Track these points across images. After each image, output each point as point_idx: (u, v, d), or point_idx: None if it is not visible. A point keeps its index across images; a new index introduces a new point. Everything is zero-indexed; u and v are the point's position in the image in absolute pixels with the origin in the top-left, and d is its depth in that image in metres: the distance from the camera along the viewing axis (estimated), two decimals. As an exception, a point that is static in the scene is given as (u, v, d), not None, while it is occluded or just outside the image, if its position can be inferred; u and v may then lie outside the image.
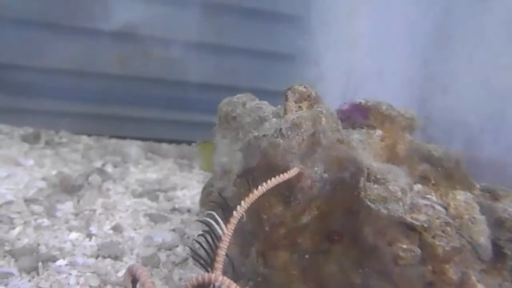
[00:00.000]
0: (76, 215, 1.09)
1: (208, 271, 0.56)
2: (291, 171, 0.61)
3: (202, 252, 0.64)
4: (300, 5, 2.05)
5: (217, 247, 0.56)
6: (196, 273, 0.87)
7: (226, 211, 0.63)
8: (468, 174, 0.70)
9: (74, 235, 0.99)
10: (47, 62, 1.82)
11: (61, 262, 0.87)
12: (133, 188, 1.36)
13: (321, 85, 1.99)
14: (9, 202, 1.07)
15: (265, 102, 0.86)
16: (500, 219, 0.65)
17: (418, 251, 0.58)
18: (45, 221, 1.02)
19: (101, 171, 1.40)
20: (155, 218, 1.15)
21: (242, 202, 0.58)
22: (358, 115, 0.72)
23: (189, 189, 1.43)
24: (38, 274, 0.82)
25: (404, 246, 0.57)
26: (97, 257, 0.92)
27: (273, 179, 0.59)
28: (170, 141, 2.01)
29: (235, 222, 0.57)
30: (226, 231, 0.56)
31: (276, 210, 0.62)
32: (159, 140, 1.96)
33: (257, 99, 0.88)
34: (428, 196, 0.60)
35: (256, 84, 2.04)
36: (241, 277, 0.77)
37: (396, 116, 0.71)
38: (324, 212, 0.61)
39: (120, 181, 1.42)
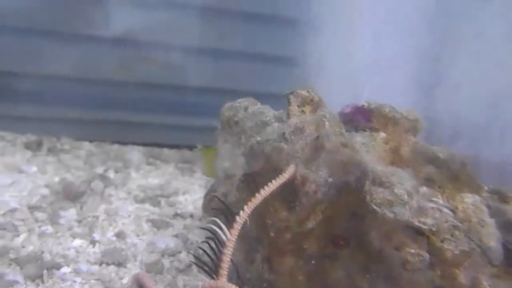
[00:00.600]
0: (79, 222, 1.10)
1: (213, 278, 0.56)
2: (288, 169, 0.61)
3: (205, 258, 0.64)
4: (300, 8, 2.06)
5: (221, 253, 0.56)
6: (200, 280, 0.88)
7: (229, 216, 0.63)
8: (475, 176, 0.69)
9: (77, 242, 0.99)
10: (47, 69, 1.83)
11: (65, 269, 0.87)
12: (135, 194, 1.36)
13: (322, 87, 2.00)
14: (13, 210, 1.08)
15: (267, 107, 0.87)
16: (510, 221, 0.64)
17: (427, 255, 0.58)
18: (49, 228, 1.02)
19: (103, 177, 1.41)
20: (157, 224, 1.15)
21: (245, 207, 0.59)
22: (360, 118, 0.72)
23: (191, 194, 1.43)
24: (43, 282, 0.82)
25: (412, 251, 0.57)
26: (100, 264, 0.92)
27: (273, 181, 0.59)
28: (171, 146, 2.01)
29: (239, 228, 0.57)
30: (229, 237, 0.56)
31: (281, 215, 0.62)
32: (160, 145, 1.96)
33: (259, 104, 0.88)
34: (435, 199, 0.60)
35: (257, 88, 2.05)
36: (246, 283, 0.77)
37: (399, 119, 0.72)
38: (329, 217, 0.61)
39: (122, 186, 1.42)
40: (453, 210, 0.60)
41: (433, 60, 1.12)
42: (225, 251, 0.55)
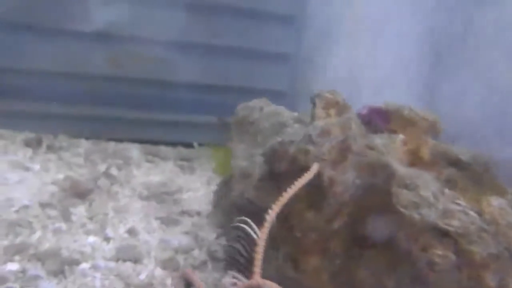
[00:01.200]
0: (90, 219, 1.11)
1: (246, 276, 0.58)
2: (312, 168, 0.64)
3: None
4: (294, 4, 2.10)
5: (253, 251, 0.58)
6: (214, 276, 0.91)
7: (256, 215, 0.66)
8: (497, 178, 0.71)
9: (92, 238, 1.01)
10: (40, 65, 1.82)
11: (84, 265, 0.89)
12: (139, 191, 1.38)
13: (317, 84, 2.05)
14: (26, 207, 1.09)
15: (282, 107, 0.91)
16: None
17: (453, 257, 0.59)
18: (63, 225, 1.04)
19: (108, 175, 1.42)
20: (166, 221, 1.17)
21: (273, 206, 0.61)
22: (378, 120, 0.75)
23: (194, 192, 1.46)
24: (65, 277, 0.84)
25: (439, 252, 0.58)
26: (117, 260, 0.94)
27: (298, 180, 0.62)
28: (166, 143, 2.02)
29: (269, 226, 0.59)
30: (260, 235, 0.59)
31: (307, 215, 0.65)
32: (155, 142, 1.97)
33: (273, 104, 0.92)
34: (458, 201, 0.62)
35: (251, 84, 2.09)
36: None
37: (418, 120, 0.74)
38: (355, 217, 0.64)
39: (126, 184, 1.43)
40: (479, 213, 0.62)
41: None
42: (257, 249, 0.58)
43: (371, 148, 0.65)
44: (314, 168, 0.63)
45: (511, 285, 0.60)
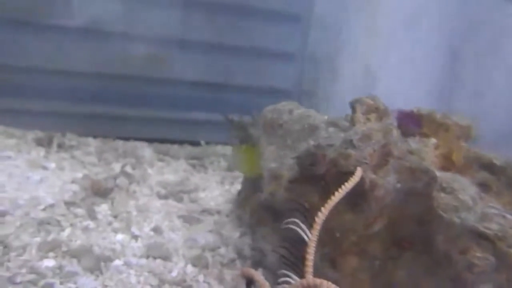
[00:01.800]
0: (115, 217, 1.13)
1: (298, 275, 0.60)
2: (357, 173, 0.67)
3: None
4: (300, 3, 2.13)
5: (304, 252, 0.60)
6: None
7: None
8: None
9: (120, 236, 1.03)
10: (46, 63, 1.82)
11: (117, 262, 0.91)
12: (157, 190, 1.40)
13: (323, 84, 2.08)
14: (52, 205, 1.10)
15: (312, 110, 0.93)
16: None
17: (493, 259, 0.62)
18: (90, 223, 1.06)
19: (126, 174, 1.44)
20: (188, 220, 1.20)
21: (322, 208, 0.64)
22: (410, 124, 0.78)
23: (210, 190, 1.48)
24: (101, 273, 0.86)
25: (478, 254, 0.61)
26: (147, 257, 0.96)
27: (346, 184, 0.65)
28: (173, 141, 2.04)
29: (318, 228, 0.62)
30: (311, 236, 0.61)
31: (346, 217, 0.68)
32: (162, 141, 1.99)
33: (303, 107, 0.95)
34: (494, 205, 0.66)
35: (257, 83, 2.12)
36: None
37: (451, 125, 0.78)
38: (395, 221, 0.67)
39: (142, 183, 1.45)
40: None
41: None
42: (309, 250, 0.60)
43: (412, 152, 0.68)
44: (359, 172, 0.65)
45: None
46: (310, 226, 0.62)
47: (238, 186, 1.42)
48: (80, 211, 1.11)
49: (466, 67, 1.11)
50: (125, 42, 1.92)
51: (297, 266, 0.61)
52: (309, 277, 0.58)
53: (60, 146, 1.73)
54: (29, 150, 1.57)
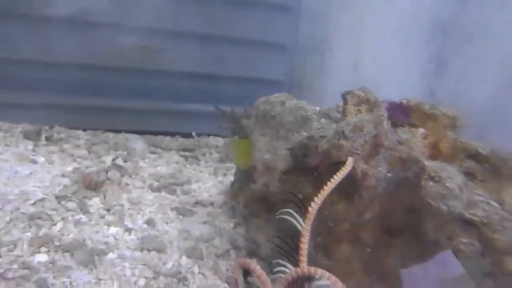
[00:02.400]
0: (107, 210, 1.13)
1: (292, 264, 0.61)
2: (348, 162, 0.68)
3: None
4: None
5: (298, 241, 0.61)
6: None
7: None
8: None
9: (113, 229, 1.03)
10: (34, 55, 1.79)
11: (111, 255, 0.91)
12: (149, 183, 1.40)
13: (314, 74, 2.09)
14: (42, 200, 1.09)
15: (304, 101, 0.94)
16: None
17: (478, 244, 0.65)
18: (82, 217, 1.05)
19: (117, 167, 1.43)
20: (181, 212, 1.20)
21: (315, 198, 0.65)
22: (399, 114, 0.79)
23: (203, 182, 1.48)
24: (95, 267, 0.86)
25: (465, 240, 0.64)
26: (141, 250, 0.96)
27: (338, 173, 0.66)
28: (164, 133, 2.03)
29: (312, 218, 0.63)
30: (304, 226, 0.62)
31: (339, 206, 0.69)
32: (153, 133, 1.98)
33: (296, 99, 0.95)
34: (479, 192, 0.68)
35: (249, 74, 2.12)
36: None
37: (439, 115, 0.79)
38: (386, 209, 0.68)
39: (135, 175, 1.44)
40: (500, 203, 0.68)
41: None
42: (303, 239, 0.61)
43: (401, 143, 0.69)
44: (350, 162, 0.66)
45: None
46: (304, 216, 0.63)
47: (231, 178, 1.42)
48: (71, 205, 1.10)
49: (453, 56, 1.12)
50: (116, 33, 1.89)
51: (292, 255, 0.61)
52: (304, 266, 0.59)
53: (49, 139, 1.71)
54: (17, 144, 1.55)
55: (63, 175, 1.30)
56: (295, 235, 0.62)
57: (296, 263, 0.60)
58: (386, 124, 0.69)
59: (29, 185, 1.17)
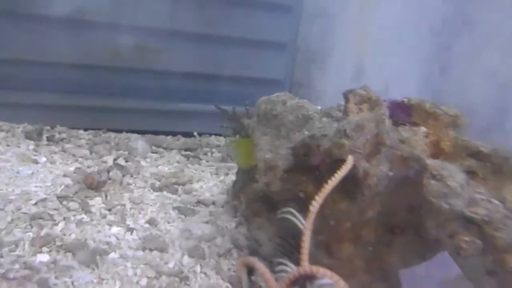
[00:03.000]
0: (109, 210, 1.13)
1: (294, 263, 0.61)
2: (348, 160, 0.68)
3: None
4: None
5: (300, 240, 0.61)
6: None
7: (302, 204, 0.68)
8: None
9: (115, 229, 1.03)
10: (36, 55, 1.79)
11: (113, 255, 0.91)
12: (151, 182, 1.40)
13: (314, 74, 2.08)
14: (44, 200, 1.09)
15: (305, 101, 0.93)
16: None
17: (480, 242, 0.64)
18: (84, 217, 1.05)
19: (119, 166, 1.43)
20: (183, 211, 1.20)
21: (316, 197, 0.64)
22: (400, 113, 0.79)
23: (205, 182, 1.48)
24: (97, 266, 0.86)
25: (466, 238, 0.63)
26: (143, 249, 0.96)
27: (338, 172, 0.66)
28: (165, 133, 2.03)
29: (313, 217, 0.62)
30: (306, 225, 0.62)
31: (341, 205, 0.69)
32: (154, 132, 1.98)
33: (297, 98, 0.95)
34: (480, 190, 0.67)
35: (248, 73, 2.12)
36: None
37: (440, 114, 0.79)
38: (388, 207, 0.68)
39: (136, 175, 1.45)
40: (502, 201, 0.67)
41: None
42: (304, 238, 0.61)
43: (403, 141, 0.68)
44: (350, 160, 0.66)
45: None
46: (305, 215, 0.63)
47: (232, 177, 1.42)
48: (73, 204, 1.10)
49: (455, 60, 1.12)
50: (116, 33, 1.89)
51: (293, 254, 0.61)
52: (305, 265, 0.59)
53: (50, 139, 1.71)
54: (18, 144, 1.55)
55: (64, 175, 1.30)
56: (297, 234, 0.62)
57: (297, 262, 0.60)
58: (387, 122, 0.69)
59: (30, 185, 1.17)
